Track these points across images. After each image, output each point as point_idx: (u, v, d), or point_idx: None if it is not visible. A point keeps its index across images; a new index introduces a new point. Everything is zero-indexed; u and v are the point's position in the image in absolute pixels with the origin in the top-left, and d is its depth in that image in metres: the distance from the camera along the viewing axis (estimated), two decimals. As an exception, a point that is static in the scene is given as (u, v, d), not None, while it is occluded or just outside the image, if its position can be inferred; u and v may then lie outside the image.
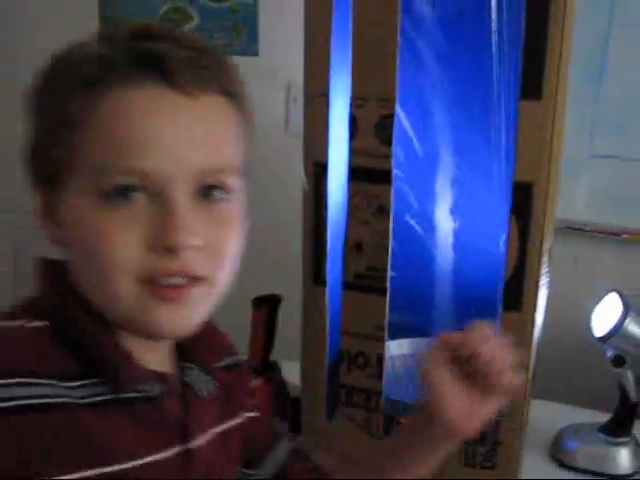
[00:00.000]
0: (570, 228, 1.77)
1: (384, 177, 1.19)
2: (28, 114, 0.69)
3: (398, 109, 1.17)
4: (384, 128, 1.17)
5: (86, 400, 0.66)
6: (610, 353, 1.43)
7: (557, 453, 1.49)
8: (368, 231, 1.21)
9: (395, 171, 1.18)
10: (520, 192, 1.14)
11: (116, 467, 0.66)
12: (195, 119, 0.65)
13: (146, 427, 0.70)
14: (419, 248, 1.36)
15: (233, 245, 0.69)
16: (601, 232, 1.75)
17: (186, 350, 0.78)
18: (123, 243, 0.63)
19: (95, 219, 0.64)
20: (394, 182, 1.19)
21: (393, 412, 1.32)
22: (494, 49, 1.17)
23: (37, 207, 0.70)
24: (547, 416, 1.55)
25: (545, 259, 1.21)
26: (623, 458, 1.45)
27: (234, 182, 0.69)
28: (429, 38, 1.22)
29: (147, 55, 0.64)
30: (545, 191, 1.14)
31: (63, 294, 0.70)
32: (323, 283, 1.24)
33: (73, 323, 0.68)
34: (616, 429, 1.47)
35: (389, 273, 1.22)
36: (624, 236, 1.73)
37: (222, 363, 0.85)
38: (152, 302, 0.66)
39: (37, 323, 0.68)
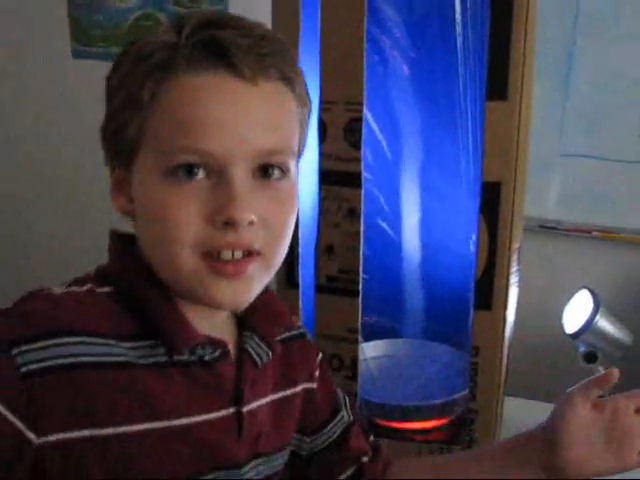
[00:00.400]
0: (542, 227, 1.78)
1: (354, 180, 1.19)
2: (106, 98, 0.75)
3: (366, 112, 1.17)
4: (353, 131, 1.17)
5: (144, 360, 0.72)
6: (582, 349, 1.44)
7: (533, 450, 1.50)
8: (339, 234, 1.22)
9: (365, 174, 1.19)
10: (488, 192, 1.16)
11: (170, 422, 0.72)
12: (255, 104, 0.69)
13: (200, 388, 0.75)
14: (390, 250, 1.37)
15: (288, 221, 0.74)
16: (572, 230, 1.77)
17: (246, 319, 0.82)
18: (184, 216, 0.68)
19: (160, 194, 0.69)
20: (364, 185, 1.19)
21: (369, 413, 1.32)
22: (459, 51, 1.18)
23: (112, 182, 0.76)
24: (521, 413, 1.56)
25: (515, 258, 1.22)
26: (597, 453, 1.46)
27: (290, 162, 0.73)
28: (395, 41, 1.23)
29: (211, 43, 0.68)
30: (513, 190, 1.16)
31: (128, 262, 0.76)
32: (296, 286, 1.25)
33: (135, 289, 0.74)
34: (590, 424, 1.48)
35: (361, 275, 1.23)
36: (595, 234, 1.75)
37: (283, 335, 0.88)
38: (210, 275, 0.70)
39: (104, 288, 0.74)
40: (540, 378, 1.76)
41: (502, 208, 1.16)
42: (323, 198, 1.22)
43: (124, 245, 0.77)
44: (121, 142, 0.72)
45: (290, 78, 0.73)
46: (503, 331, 1.23)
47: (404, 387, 1.37)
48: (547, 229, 1.79)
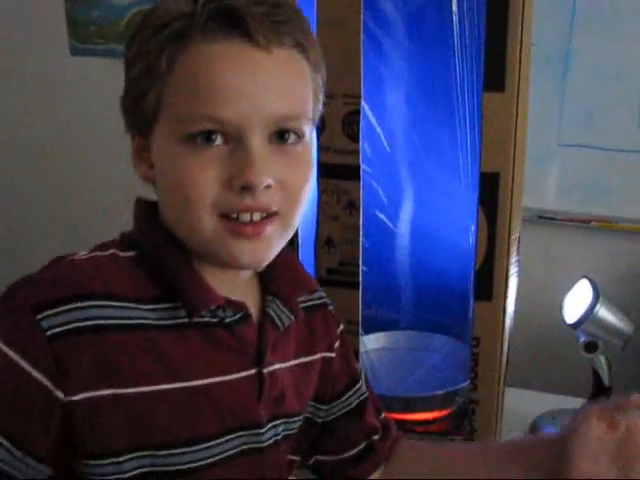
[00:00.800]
0: (541, 217, 1.79)
1: (353, 173, 1.20)
2: (125, 68, 0.76)
3: (364, 105, 1.18)
4: (351, 124, 1.18)
5: (164, 322, 0.74)
6: (582, 339, 1.45)
7: (534, 440, 1.51)
8: (339, 226, 1.22)
9: (363, 166, 1.19)
10: (487, 183, 1.16)
11: (190, 383, 0.74)
12: (270, 71, 0.71)
13: (221, 350, 0.77)
14: (389, 242, 1.38)
15: (304, 184, 0.75)
16: (571, 220, 1.77)
17: (269, 283, 0.84)
18: (203, 180, 0.70)
19: (179, 160, 0.71)
20: (362, 177, 1.20)
21: (370, 405, 1.33)
22: (456, 42, 1.19)
23: (133, 150, 0.78)
24: (523, 404, 1.56)
25: (514, 248, 1.23)
26: (598, 442, 1.47)
27: (305, 127, 0.75)
28: (392, 34, 1.23)
29: (227, 11, 0.70)
30: (511, 181, 1.16)
31: (151, 228, 0.78)
32: (296, 280, 1.25)
33: (157, 252, 0.76)
34: (591, 414, 1.49)
35: (361, 268, 1.23)
36: (593, 224, 1.76)
37: (306, 303, 0.90)
38: (231, 237, 0.72)
39: (128, 253, 0.77)
40: (541, 368, 1.76)
41: (500, 199, 1.16)
42: (322, 191, 1.22)
43: (147, 212, 0.79)
44: (140, 111, 0.73)
45: (304, 45, 0.74)
46: (503, 322, 1.23)
47: (405, 379, 1.37)
48: (546, 219, 1.79)
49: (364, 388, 1.00)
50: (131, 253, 0.77)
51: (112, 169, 1.83)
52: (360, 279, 1.23)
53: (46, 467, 0.70)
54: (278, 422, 0.84)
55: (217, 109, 0.69)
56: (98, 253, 0.77)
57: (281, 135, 0.73)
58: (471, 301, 1.23)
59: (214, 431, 0.77)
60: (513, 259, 1.22)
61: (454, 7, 1.18)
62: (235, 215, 0.71)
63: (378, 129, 1.28)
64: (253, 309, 0.81)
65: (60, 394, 0.68)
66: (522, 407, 1.55)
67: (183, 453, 0.74)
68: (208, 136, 0.70)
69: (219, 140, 0.70)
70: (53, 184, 2.32)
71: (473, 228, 1.20)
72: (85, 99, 2.22)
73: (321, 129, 1.19)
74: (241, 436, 0.80)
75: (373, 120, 1.27)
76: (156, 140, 0.74)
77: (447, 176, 1.29)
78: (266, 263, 0.76)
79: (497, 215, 1.17)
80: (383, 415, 1.03)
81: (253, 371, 0.80)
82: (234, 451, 0.79)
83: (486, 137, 1.14)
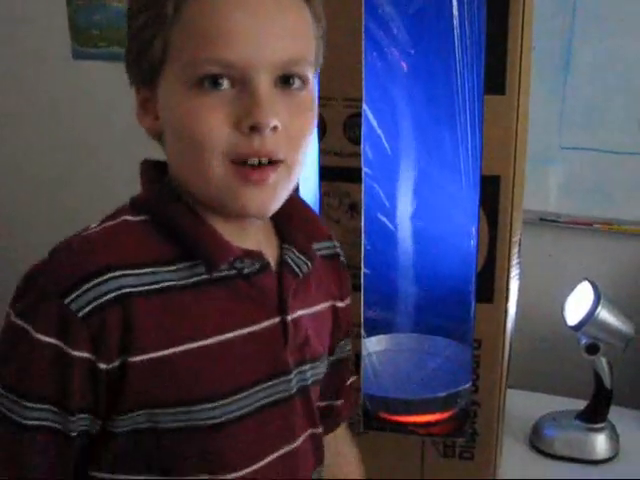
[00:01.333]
0: (543, 220, 1.78)
1: (354, 175, 1.20)
2: (128, 22, 0.77)
3: (365, 108, 1.18)
4: (352, 127, 1.18)
5: (184, 282, 0.76)
6: (584, 341, 1.45)
7: (536, 441, 1.51)
8: (340, 229, 1.22)
9: (365, 169, 1.20)
10: (488, 185, 1.16)
11: (217, 338, 0.76)
12: (276, 15, 0.72)
13: (243, 301, 0.79)
14: (391, 244, 1.38)
15: (307, 130, 0.77)
16: (573, 223, 1.77)
17: (285, 233, 0.86)
18: (212, 123, 0.71)
19: (187, 105, 0.72)
20: (364, 180, 1.20)
21: (372, 407, 1.33)
22: (457, 45, 1.19)
23: (138, 103, 0.78)
24: (525, 406, 1.57)
25: (515, 251, 1.23)
26: (600, 444, 1.47)
27: (309, 73, 0.76)
28: (393, 37, 1.23)
29: None
30: (512, 184, 1.16)
31: (159, 188, 0.79)
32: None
33: (168, 212, 0.77)
34: (593, 415, 1.49)
35: (363, 270, 1.23)
36: (595, 226, 1.76)
37: (321, 251, 0.91)
38: (239, 183, 0.73)
39: (139, 217, 0.78)
40: (542, 370, 1.76)
41: (501, 201, 1.16)
42: (324, 194, 1.22)
43: (154, 172, 0.81)
44: (146, 60, 0.74)
45: None
46: (505, 324, 1.23)
47: (407, 381, 1.38)
48: (548, 222, 1.79)
49: (349, 347, 1.02)
50: (142, 217, 0.78)
51: (117, 171, 1.84)
52: (362, 281, 1.24)
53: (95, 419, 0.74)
54: (306, 367, 0.86)
55: (223, 52, 0.70)
56: (109, 223, 0.78)
57: (286, 80, 0.74)
58: (472, 303, 1.23)
59: (244, 382, 0.79)
60: (514, 261, 1.23)
61: (454, 10, 1.18)
62: (243, 160, 0.73)
63: (379, 132, 1.28)
64: (271, 259, 0.83)
65: (103, 365, 0.71)
66: (524, 409, 1.55)
67: (215, 407, 0.76)
68: (215, 80, 0.71)
69: (226, 84, 0.71)
70: (57, 188, 2.32)
71: (474, 230, 1.20)
72: (88, 102, 2.22)
73: (322, 132, 1.20)
74: (271, 386, 0.81)
75: (374, 123, 1.27)
76: (163, 88, 0.75)
77: (448, 178, 1.29)
78: (272, 211, 0.78)
79: (498, 217, 1.17)
80: (348, 382, 1.05)
81: (277, 319, 0.82)
82: (266, 401, 0.81)
83: (487, 139, 1.15)
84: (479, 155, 1.16)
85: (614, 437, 1.48)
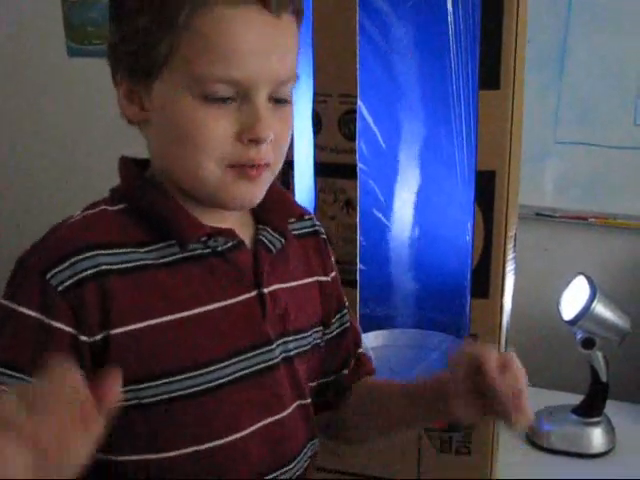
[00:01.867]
0: (538, 215, 1.79)
1: (349, 172, 1.20)
2: (121, 15, 0.79)
3: (360, 104, 1.18)
4: (347, 123, 1.18)
5: (161, 260, 0.80)
6: (580, 336, 1.45)
7: (533, 436, 1.51)
8: (336, 225, 1.22)
9: (360, 165, 1.20)
10: (483, 181, 1.16)
11: (192, 311, 0.80)
12: (278, 36, 0.78)
13: (219, 278, 0.83)
14: (386, 240, 1.38)
15: (289, 139, 0.84)
16: (568, 218, 1.77)
17: (260, 215, 0.90)
18: (215, 132, 0.76)
19: (192, 112, 0.76)
20: (359, 176, 1.20)
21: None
22: (451, 40, 1.19)
23: (122, 93, 0.81)
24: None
25: (510, 246, 1.23)
26: (596, 437, 1.48)
27: (293, 89, 0.82)
28: (387, 33, 1.23)
29: None
30: (507, 179, 1.16)
31: (137, 178, 0.84)
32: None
33: (146, 199, 0.82)
34: (589, 410, 1.50)
35: (358, 266, 1.23)
36: (591, 220, 1.76)
37: (300, 230, 0.97)
38: (232, 179, 0.79)
39: (118, 206, 0.83)
40: (538, 365, 1.76)
41: (497, 196, 1.17)
42: (319, 190, 1.22)
43: (134, 167, 0.86)
44: (145, 59, 0.77)
45: (299, 12, 0.81)
46: (500, 319, 1.23)
47: (403, 376, 1.37)
48: (543, 217, 1.79)
49: (347, 317, 1.04)
50: (120, 206, 0.82)
51: (110, 168, 1.83)
52: (358, 277, 1.24)
53: None
54: (289, 339, 0.89)
55: (234, 71, 0.75)
56: (89, 211, 0.83)
57: (278, 95, 0.79)
58: (468, 298, 1.23)
59: (223, 353, 0.82)
60: (510, 256, 1.23)
61: (449, 5, 1.18)
62: (239, 165, 0.78)
63: (374, 128, 1.29)
64: (247, 238, 0.87)
65: (84, 337, 0.75)
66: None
67: (195, 376, 0.80)
68: (220, 95, 0.76)
69: (230, 98, 0.76)
70: (50, 184, 2.32)
71: (470, 226, 1.20)
72: (83, 100, 2.22)
73: (318, 129, 1.20)
74: (253, 356, 0.85)
75: (369, 119, 1.27)
76: (160, 89, 0.78)
77: (443, 174, 1.29)
78: (255, 205, 0.83)
79: (493, 213, 1.17)
80: (361, 350, 1.07)
81: (254, 293, 0.85)
82: (248, 371, 0.84)
83: (482, 135, 1.15)
84: (474, 150, 1.16)
85: (610, 431, 1.49)
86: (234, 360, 0.83)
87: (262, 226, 0.89)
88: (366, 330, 1.37)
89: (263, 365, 0.86)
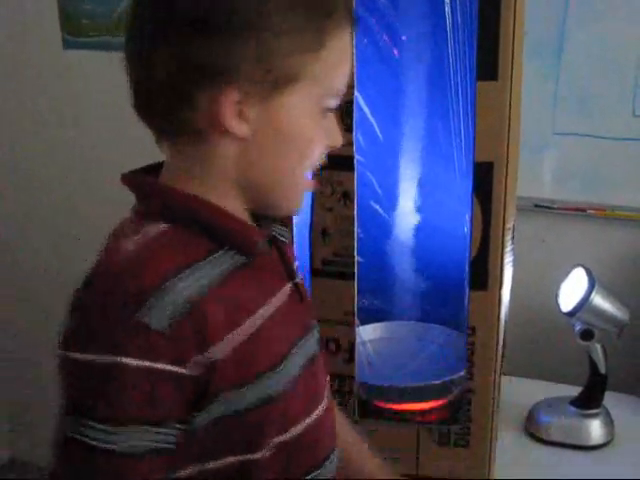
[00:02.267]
0: (537, 206, 1.78)
1: (347, 164, 1.19)
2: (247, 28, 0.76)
3: (357, 95, 1.17)
4: (344, 115, 1.17)
5: (225, 270, 0.79)
6: (578, 327, 1.45)
7: (532, 428, 1.51)
8: (333, 217, 1.22)
9: (357, 157, 1.19)
10: (481, 172, 1.16)
11: (258, 313, 0.81)
12: None
13: (267, 274, 0.86)
14: (384, 232, 1.38)
15: None
16: (567, 209, 1.77)
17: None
18: (322, 144, 0.82)
19: (314, 125, 0.80)
20: (357, 168, 1.19)
21: (367, 396, 1.33)
22: (449, 31, 1.18)
23: (228, 105, 0.76)
24: (520, 392, 1.57)
25: (509, 237, 1.23)
26: (595, 429, 1.48)
27: None
28: (384, 23, 1.22)
29: (350, 7, 0.82)
30: (505, 170, 1.16)
31: (174, 193, 0.80)
32: (291, 271, 1.25)
33: (200, 213, 0.79)
34: (587, 401, 1.50)
35: (356, 258, 1.23)
36: (589, 212, 1.75)
37: (276, 231, 0.94)
38: (306, 187, 0.87)
39: (163, 225, 0.78)
40: (536, 357, 1.77)
41: (495, 188, 1.16)
42: (317, 182, 1.22)
43: (153, 180, 0.83)
44: (273, 74, 0.76)
45: None
46: (499, 311, 1.23)
47: (401, 369, 1.38)
48: (541, 208, 1.79)
49: None
50: (166, 225, 0.78)
51: (107, 160, 1.83)
52: (355, 270, 1.23)
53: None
54: (315, 322, 0.94)
55: (344, 86, 0.82)
56: (142, 239, 0.77)
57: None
58: (466, 290, 1.23)
59: (287, 348, 0.85)
60: (508, 248, 1.23)
61: (446, -4, 1.17)
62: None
63: (372, 119, 1.28)
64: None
65: (185, 371, 0.73)
66: (518, 395, 1.56)
67: (279, 372, 0.82)
68: (333, 110, 0.82)
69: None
70: (47, 177, 2.31)
71: (468, 217, 1.20)
72: (80, 92, 2.21)
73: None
74: (304, 344, 0.88)
75: (367, 110, 1.26)
76: (286, 103, 0.78)
77: (441, 165, 1.28)
78: None
79: (491, 204, 1.17)
80: None
81: (290, 284, 0.89)
82: (304, 360, 0.87)
83: (480, 126, 1.14)
84: (472, 142, 1.15)
85: (609, 422, 1.49)
86: (294, 352, 0.86)
87: (266, 219, 0.89)
88: (364, 322, 1.37)
89: (312, 352, 0.90)
